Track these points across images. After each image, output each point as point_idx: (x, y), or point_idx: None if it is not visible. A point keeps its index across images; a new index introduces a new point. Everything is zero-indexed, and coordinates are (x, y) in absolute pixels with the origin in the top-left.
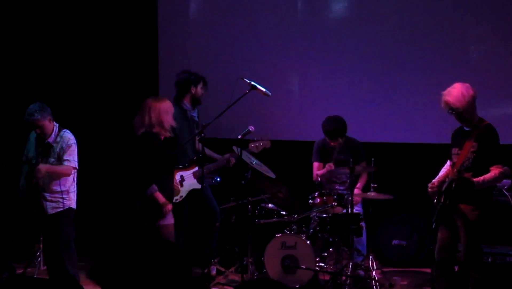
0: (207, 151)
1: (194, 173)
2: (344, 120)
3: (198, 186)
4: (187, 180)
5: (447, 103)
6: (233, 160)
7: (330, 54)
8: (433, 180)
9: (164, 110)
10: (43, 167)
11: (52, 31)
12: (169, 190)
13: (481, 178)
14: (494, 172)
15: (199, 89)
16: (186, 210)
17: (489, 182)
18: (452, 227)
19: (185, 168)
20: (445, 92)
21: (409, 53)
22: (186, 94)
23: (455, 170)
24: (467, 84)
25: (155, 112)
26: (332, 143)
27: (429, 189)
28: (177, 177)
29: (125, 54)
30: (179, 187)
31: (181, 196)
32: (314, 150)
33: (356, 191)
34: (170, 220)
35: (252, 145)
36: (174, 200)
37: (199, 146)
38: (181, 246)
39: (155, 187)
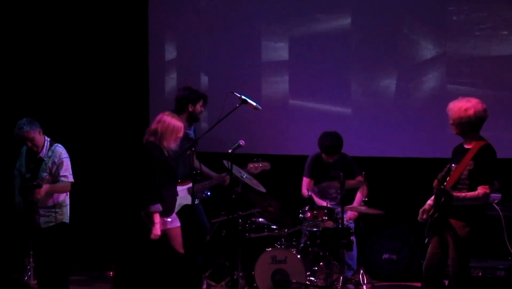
0: (204, 168)
1: (188, 189)
2: (341, 136)
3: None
4: (181, 195)
5: (447, 109)
6: (228, 179)
7: (321, 68)
8: (424, 206)
9: (174, 129)
10: (43, 189)
11: (42, 44)
12: (169, 203)
13: (463, 194)
14: (478, 191)
15: (198, 107)
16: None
17: (470, 200)
18: (443, 242)
19: (179, 183)
20: (456, 99)
21: (400, 68)
22: (183, 112)
23: (435, 181)
24: (480, 105)
25: (164, 126)
26: (328, 159)
27: (420, 220)
28: None
29: (115, 65)
30: None
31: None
32: (307, 165)
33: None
34: (176, 223)
35: (251, 166)
36: None
37: (196, 162)
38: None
39: (159, 206)
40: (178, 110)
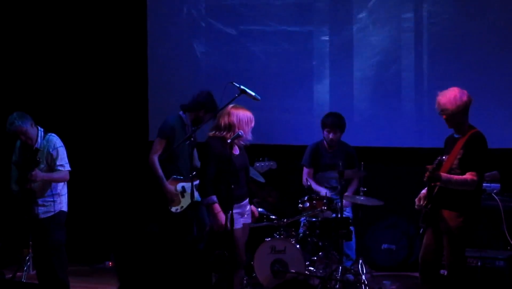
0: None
1: (195, 186)
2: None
3: (199, 199)
4: (188, 192)
5: (439, 104)
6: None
7: (321, 59)
8: (419, 195)
9: (248, 119)
10: (39, 174)
11: (39, 37)
12: (227, 198)
13: (451, 176)
14: (466, 176)
15: (207, 117)
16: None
17: (456, 183)
18: (437, 233)
19: (186, 180)
20: (440, 93)
21: (400, 57)
22: (192, 112)
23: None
24: (464, 91)
25: (238, 118)
26: (330, 137)
27: (416, 207)
28: (179, 187)
29: (114, 56)
30: (180, 198)
31: (182, 207)
32: (306, 153)
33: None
34: (237, 224)
35: (257, 164)
36: (174, 211)
37: (197, 162)
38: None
39: (213, 198)
40: (189, 108)
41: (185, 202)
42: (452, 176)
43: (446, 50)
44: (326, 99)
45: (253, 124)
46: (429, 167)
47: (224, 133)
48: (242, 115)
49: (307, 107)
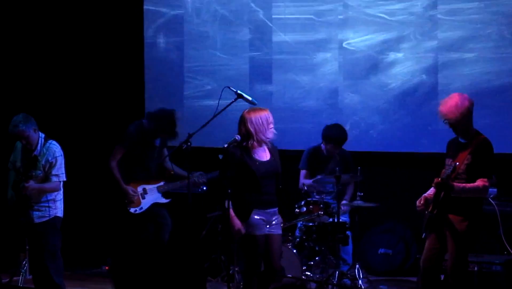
0: (176, 168)
1: (158, 188)
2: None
3: (161, 200)
4: (150, 193)
5: (441, 113)
6: (201, 181)
7: (315, 63)
8: (421, 197)
9: (263, 120)
10: (30, 186)
11: (38, 41)
12: (242, 206)
13: (463, 184)
14: (477, 183)
15: (153, 130)
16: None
17: (469, 191)
18: (441, 237)
19: (149, 182)
20: (441, 102)
21: (396, 60)
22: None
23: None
24: (465, 95)
25: (253, 123)
26: (333, 151)
27: (417, 208)
28: (139, 189)
29: (111, 58)
30: (140, 199)
31: (141, 208)
32: (304, 157)
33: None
34: (258, 230)
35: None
36: (133, 211)
37: (168, 163)
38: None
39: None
40: (151, 118)
41: (146, 203)
42: (465, 184)
43: (443, 51)
44: (322, 104)
45: (271, 120)
46: (443, 173)
47: (244, 144)
48: (257, 120)
49: (301, 111)
